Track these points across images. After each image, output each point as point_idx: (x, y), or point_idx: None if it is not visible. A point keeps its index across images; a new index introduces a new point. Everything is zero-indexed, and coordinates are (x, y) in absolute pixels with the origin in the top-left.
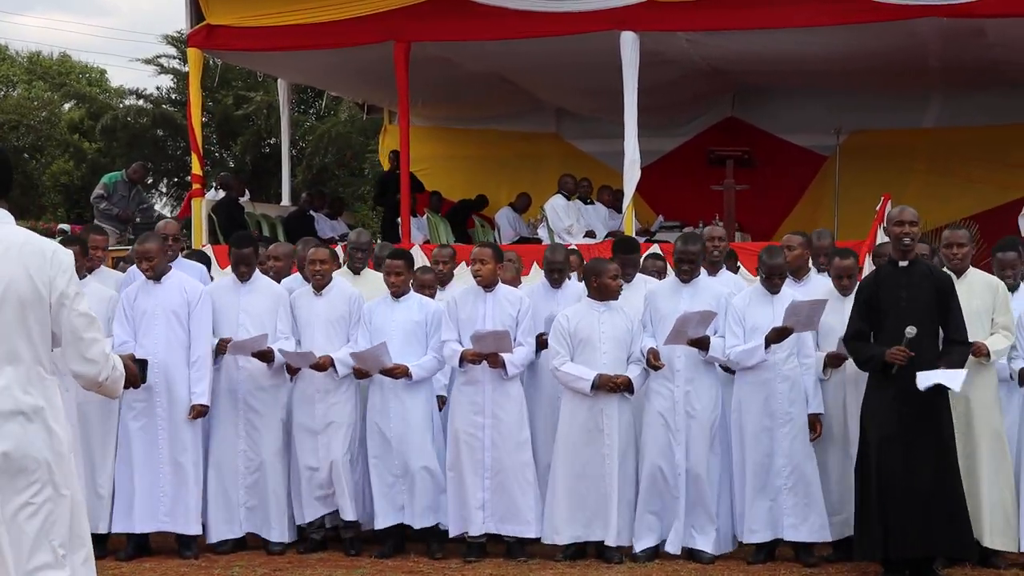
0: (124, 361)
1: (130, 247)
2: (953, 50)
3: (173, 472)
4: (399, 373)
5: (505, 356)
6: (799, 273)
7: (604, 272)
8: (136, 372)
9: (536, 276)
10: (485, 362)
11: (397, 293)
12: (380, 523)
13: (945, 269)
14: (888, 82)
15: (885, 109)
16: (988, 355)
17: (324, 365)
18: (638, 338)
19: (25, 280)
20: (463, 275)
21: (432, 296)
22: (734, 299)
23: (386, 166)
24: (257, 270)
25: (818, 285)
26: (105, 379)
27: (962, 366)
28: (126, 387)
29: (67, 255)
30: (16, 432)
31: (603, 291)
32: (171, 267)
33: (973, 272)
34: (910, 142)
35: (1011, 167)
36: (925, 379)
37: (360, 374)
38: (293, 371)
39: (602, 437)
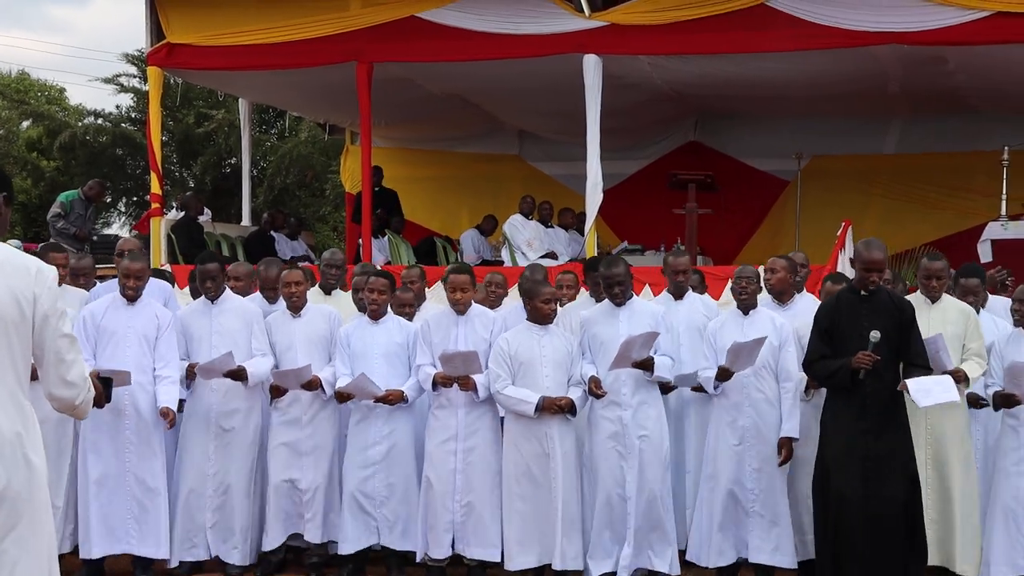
0: (91, 380)
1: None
2: (914, 77)
3: (142, 495)
4: (393, 399)
5: (477, 378)
6: (783, 297)
7: (537, 295)
8: (102, 391)
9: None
10: (456, 385)
11: (376, 315)
12: (347, 548)
13: (919, 293)
14: (849, 108)
15: (846, 134)
16: (967, 380)
17: (315, 384)
18: (577, 360)
19: (8, 298)
20: (432, 295)
21: (411, 316)
22: (709, 323)
23: (347, 187)
24: (228, 289)
25: (803, 308)
26: (81, 402)
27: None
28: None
29: (51, 272)
30: None
31: (535, 314)
32: (146, 291)
33: (946, 299)
34: (871, 167)
35: (971, 194)
36: (925, 395)
37: (344, 399)
38: (278, 393)
39: (547, 461)
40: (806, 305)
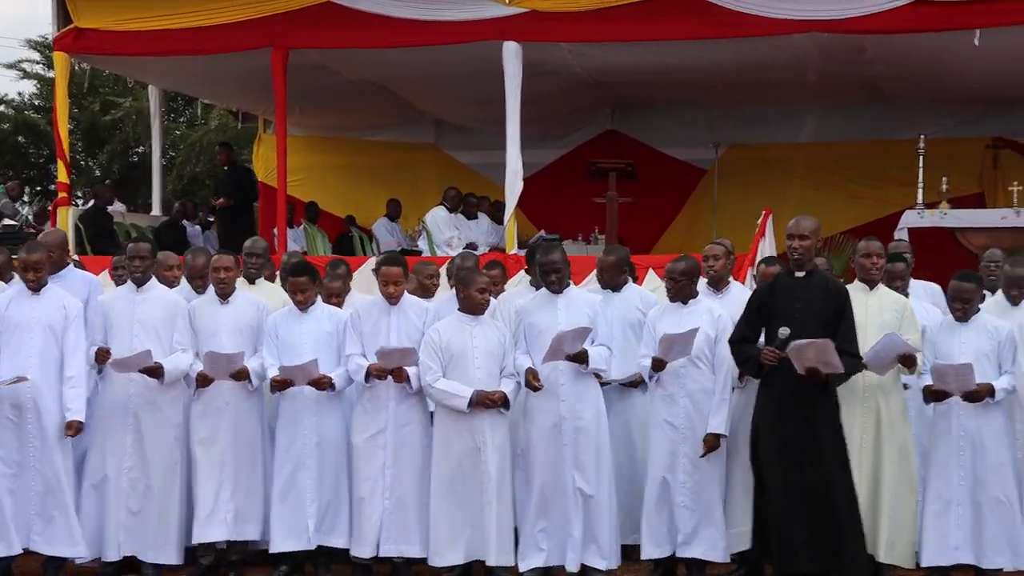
0: None
1: None
2: (832, 66)
3: (45, 492)
4: (324, 384)
5: (409, 370)
6: (719, 284)
7: (470, 283)
8: None
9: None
10: (390, 377)
11: (304, 308)
12: (277, 546)
13: (857, 280)
14: (766, 96)
15: (763, 123)
16: (915, 363)
17: (244, 373)
18: (511, 351)
19: None
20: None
21: (340, 305)
22: (650, 312)
23: (260, 176)
24: (154, 278)
25: (738, 296)
26: None
27: (844, 378)
28: None
29: None
30: None
31: (468, 303)
32: (48, 280)
33: (883, 288)
34: (787, 156)
35: (887, 182)
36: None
37: (280, 386)
38: (203, 383)
39: (479, 455)
40: (738, 293)
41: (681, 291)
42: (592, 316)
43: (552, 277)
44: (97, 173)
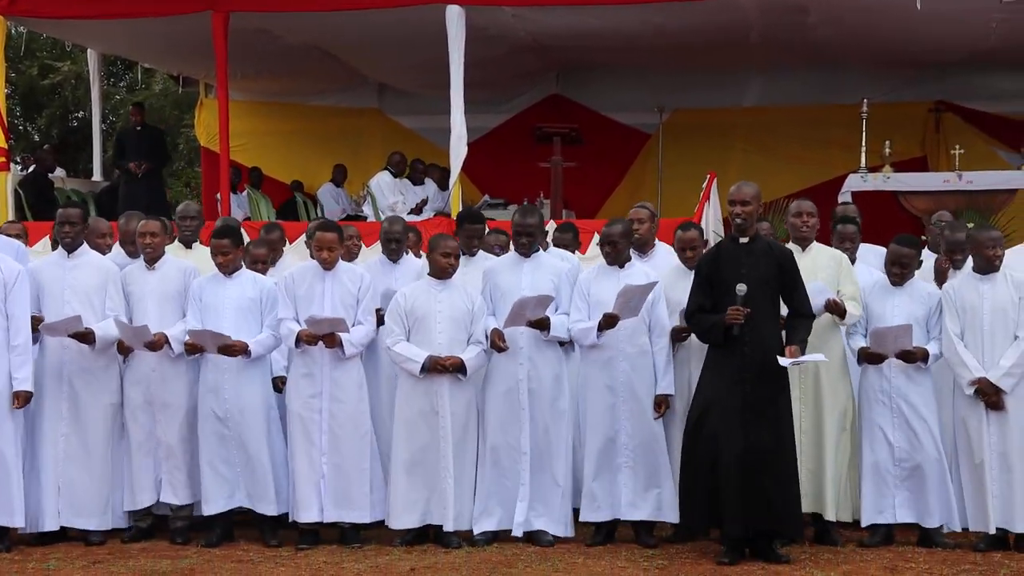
0: None
1: None
2: (774, 28)
3: None
4: (237, 350)
5: (343, 336)
6: (644, 247)
7: (436, 247)
8: None
9: (373, 253)
10: (322, 342)
11: (227, 271)
12: (209, 509)
13: (791, 242)
14: (709, 60)
15: (706, 88)
16: (843, 314)
17: (159, 343)
18: (479, 318)
19: None
20: (292, 251)
21: (264, 272)
22: (581, 275)
23: (203, 141)
24: (85, 243)
25: (663, 259)
26: None
27: (806, 341)
28: None
29: None
30: None
31: (434, 267)
32: None
33: (816, 246)
34: (730, 120)
35: (830, 146)
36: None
37: (193, 350)
38: (125, 351)
39: (437, 419)
40: (663, 256)
41: (620, 254)
42: (557, 283)
43: (523, 240)
44: (36, 138)
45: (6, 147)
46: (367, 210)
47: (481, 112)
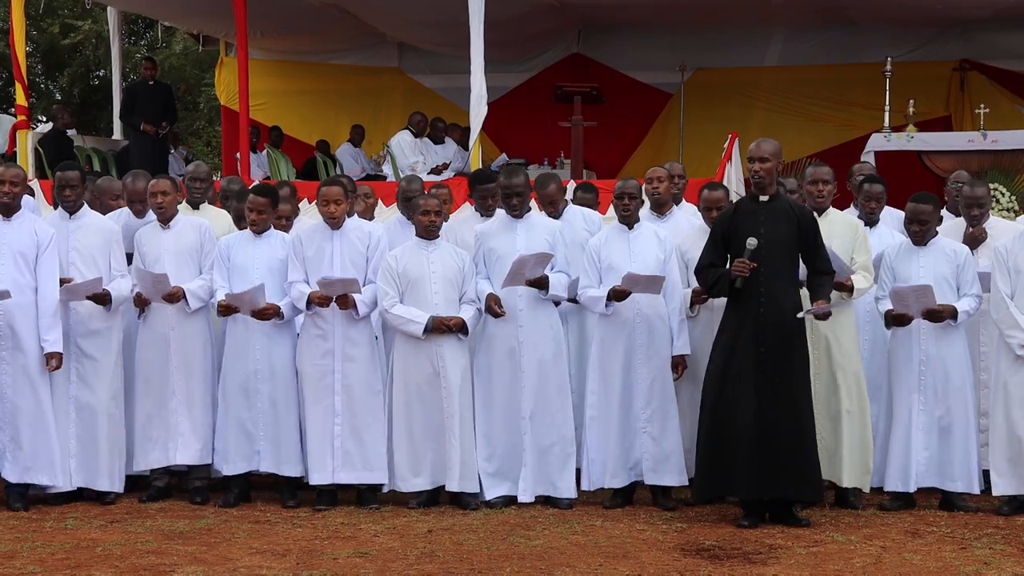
0: None
1: None
2: None
3: (26, 422)
4: (270, 313)
5: (355, 296)
6: (663, 208)
7: (416, 207)
8: None
9: (391, 213)
10: (334, 303)
11: (258, 230)
12: (229, 469)
13: (807, 204)
14: (731, 19)
15: (728, 47)
16: (852, 290)
17: (176, 295)
18: (470, 277)
19: None
20: (308, 211)
21: (288, 228)
22: (590, 240)
23: (223, 100)
24: (87, 205)
25: (680, 221)
26: None
27: (830, 298)
28: None
29: None
30: None
31: (417, 227)
32: (22, 205)
33: (833, 212)
34: (752, 80)
35: (851, 106)
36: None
37: (227, 311)
38: (143, 303)
39: (439, 380)
40: (684, 216)
41: (634, 212)
42: (552, 242)
43: (514, 201)
44: (58, 97)
45: (26, 105)
46: (386, 170)
47: (501, 71)
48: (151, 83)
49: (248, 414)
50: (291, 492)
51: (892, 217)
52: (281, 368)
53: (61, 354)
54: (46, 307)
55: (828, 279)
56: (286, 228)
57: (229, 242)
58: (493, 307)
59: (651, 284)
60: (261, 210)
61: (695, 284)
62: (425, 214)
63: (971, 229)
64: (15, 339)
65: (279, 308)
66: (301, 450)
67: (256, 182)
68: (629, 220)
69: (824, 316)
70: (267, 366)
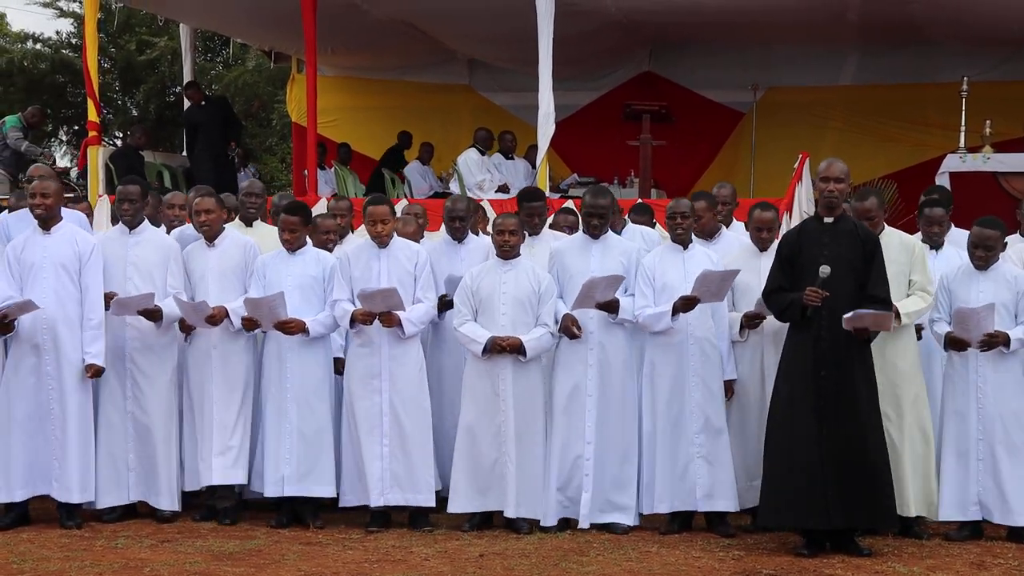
0: None
1: None
2: (872, 6)
3: (64, 437)
4: (295, 328)
5: (401, 314)
6: (710, 236)
7: (493, 227)
8: None
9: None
10: (379, 322)
11: (292, 248)
12: (270, 491)
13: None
14: (805, 38)
15: (802, 66)
16: (899, 317)
17: (219, 317)
18: (547, 299)
19: None
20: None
21: (334, 243)
22: (644, 258)
23: (294, 116)
24: (147, 220)
25: (730, 243)
26: None
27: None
28: None
29: None
30: None
31: (495, 248)
32: (62, 216)
33: (889, 232)
34: (826, 99)
35: (927, 126)
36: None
37: (250, 325)
38: (187, 329)
39: (498, 401)
40: (733, 239)
41: (687, 232)
42: (627, 265)
43: (595, 221)
44: (134, 113)
45: (97, 121)
46: (454, 188)
47: (573, 90)
48: (202, 104)
49: (282, 432)
50: (314, 514)
51: (963, 239)
52: (314, 385)
53: (103, 368)
54: (90, 319)
55: (879, 307)
56: (331, 241)
57: (265, 260)
58: (569, 327)
59: (725, 281)
60: (292, 228)
61: (745, 308)
62: (500, 234)
63: None
64: (58, 352)
65: (304, 324)
66: (336, 471)
67: (322, 199)
68: (683, 240)
69: (862, 331)
70: (300, 383)
